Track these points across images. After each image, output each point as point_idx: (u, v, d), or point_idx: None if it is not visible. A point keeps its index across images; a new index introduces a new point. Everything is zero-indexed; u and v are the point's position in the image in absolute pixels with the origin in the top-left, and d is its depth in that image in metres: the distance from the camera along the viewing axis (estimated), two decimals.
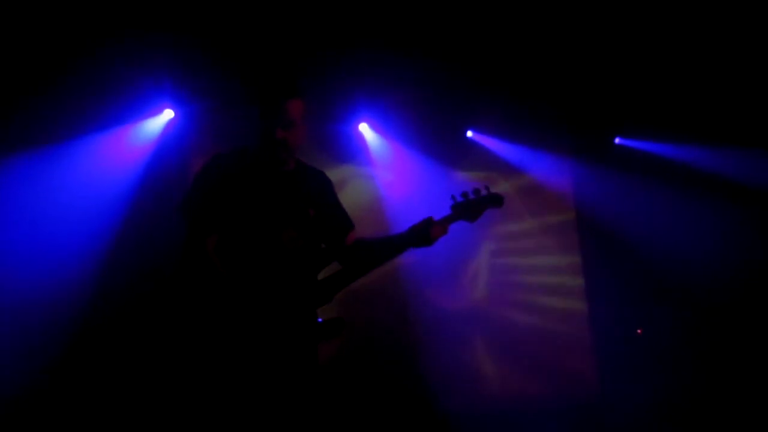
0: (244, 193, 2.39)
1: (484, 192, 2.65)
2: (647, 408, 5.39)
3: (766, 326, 5.51)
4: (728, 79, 5.22)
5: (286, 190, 2.48)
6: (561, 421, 5.40)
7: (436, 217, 2.58)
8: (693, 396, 5.46)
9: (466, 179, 5.71)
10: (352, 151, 5.38)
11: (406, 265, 5.40)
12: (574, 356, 5.87)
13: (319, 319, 2.37)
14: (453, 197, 2.63)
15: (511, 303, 5.82)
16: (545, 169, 6.05)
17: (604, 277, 5.99)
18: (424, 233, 2.52)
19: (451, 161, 5.60)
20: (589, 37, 4.86)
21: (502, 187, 6.03)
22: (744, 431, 4.80)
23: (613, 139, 6.24)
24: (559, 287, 5.98)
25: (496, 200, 2.66)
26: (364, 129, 5.40)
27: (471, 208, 2.61)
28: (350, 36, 4.60)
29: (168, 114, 4.84)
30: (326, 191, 2.61)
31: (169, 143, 4.80)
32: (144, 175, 4.64)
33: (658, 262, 5.86)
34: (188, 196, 2.43)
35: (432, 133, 5.49)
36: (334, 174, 5.08)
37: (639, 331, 5.91)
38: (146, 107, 4.75)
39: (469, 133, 5.79)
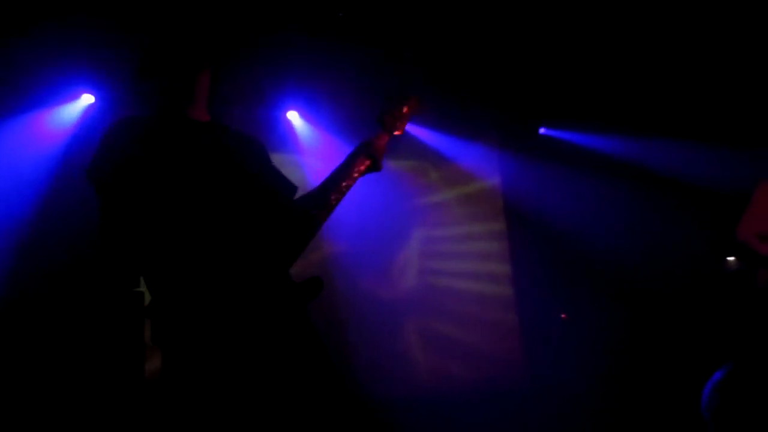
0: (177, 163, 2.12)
1: (403, 98, 2.58)
2: (571, 391, 5.57)
3: (685, 311, 5.77)
4: (650, 69, 5.40)
5: (236, 147, 2.24)
6: (489, 404, 5.52)
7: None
8: (615, 379, 5.68)
9: (395, 168, 5.74)
10: (280, 139, 5.31)
11: (335, 254, 5.39)
12: (501, 341, 6.00)
13: (297, 280, 2.24)
14: (379, 113, 2.51)
15: (440, 289, 5.89)
16: (473, 158, 6.14)
17: (530, 264, 6.15)
18: (365, 156, 2.38)
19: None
20: (514, 27, 4.93)
21: (432, 176, 6.10)
22: (665, 412, 5.02)
23: (538, 129, 6.38)
24: (487, 274, 6.10)
25: (413, 103, 2.56)
26: (293, 116, 5.33)
27: (394, 116, 2.50)
28: (279, 21, 4.52)
29: (87, 99, 4.64)
30: (264, 150, 2.40)
31: (88, 129, 4.60)
32: (60, 162, 4.44)
33: (581, 248, 6.06)
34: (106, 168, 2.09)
35: (361, 122, 5.48)
36: None
37: (563, 316, 6.09)
38: (63, 92, 4.54)
39: None
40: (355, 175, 2.38)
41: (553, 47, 5.20)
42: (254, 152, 2.33)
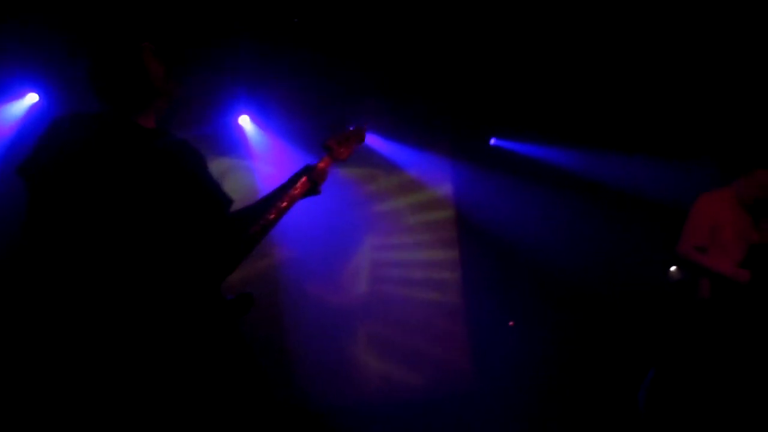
0: (119, 167, 2.07)
1: (349, 128, 2.66)
2: (518, 398, 5.65)
3: (627, 318, 5.93)
4: (598, 85, 5.57)
5: (172, 157, 2.21)
6: (437, 410, 5.56)
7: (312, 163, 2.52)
8: (561, 385, 5.80)
9: (347, 175, 5.75)
10: (231, 143, 5.27)
11: (285, 260, 5.36)
12: (451, 348, 6.06)
13: (229, 297, 2.22)
14: (324, 140, 2.58)
15: (391, 297, 5.92)
16: (425, 167, 6.20)
17: (480, 272, 6.23)
18: (306, 178, 2.43)
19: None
20: (467, 39, 5.01)
21: (384, 183, 6.14)
22: (611, 416, 5.13)
23: (489, 139, 6.50)
24: (438, 282, 6.16)
25: (358, 134, 2.66)
26: (245, 121, 5.30)
27: (339, 144, 2.58)
28: (232, 26, 4.49)
29: (31, 98, 4.52)
30: (201, 161, 2.37)
31: (32, 128, 4.48)
32: (2, 161, 4.30)
33: (530, 257, 6.18)
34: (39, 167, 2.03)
35: (314, 128, 5.47)
36: (211, 166, 4.96)
37: (511, 323, 6.19)
38: (7, 90, 4.42)
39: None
40: (295, 195, 2.40)
41: (505, 60, 5.30)
42: (192, 163, 2.30)
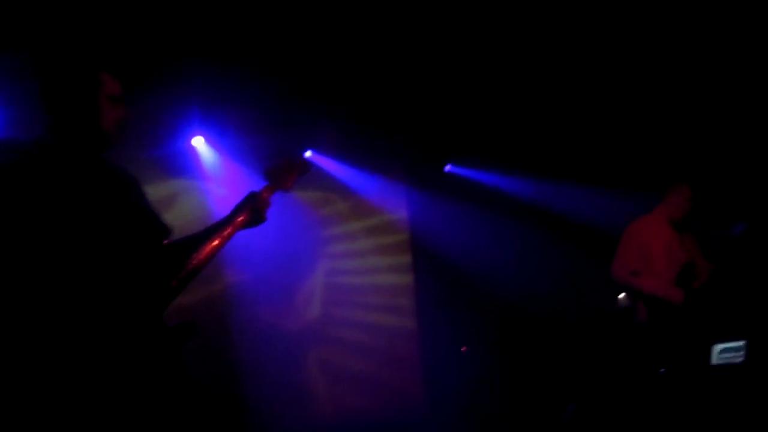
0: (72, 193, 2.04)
1: (293, 157, 2.66)
2: (470, 421, 5.66)
3: (576, 342, 6.02)
4: (551, 117, 5.72)
5: (111, 186, 2.17)
6: None
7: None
8: (511, 410, 5.83)
9: (302, 199, 5.73)
10: (184, 165, 5.20)
11: (236, 284, 5.29)
12: (404, 372, 6.05)
13: (172, 324, 2.17)
14: (266, 168, 2.56)
15: (344, 321, 5.89)
16: (381, 191, 6.23)
17: (434, 296, 6.26)
18: (249, 208, 2.40)
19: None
20: (424, 67, 5.08)
21: (339, 207, 6.13)
22: None
23: (444, 166, 6.58)
24: (392, 306, 6.16)
25: (301, 164, 2.63)
26: (198, 143, 5.24)
27: (281, 173, 2.55)
28: (186, 46, 4.46)
29: None
30: (139, 188, 2.34)
31: None
32: None
33: (482, 282, 6.24)
34: None
35: (269, 151, 5.45)
36: (164, 188, 4.90)
37: (463, 348, 6.21)
38: None
39: (308, 153, 5.82)
40: (239, 223, 2.38)
41: (461, 88, 5.39)
42: (131, 190, 2.27)
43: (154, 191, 2.45)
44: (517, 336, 6.25)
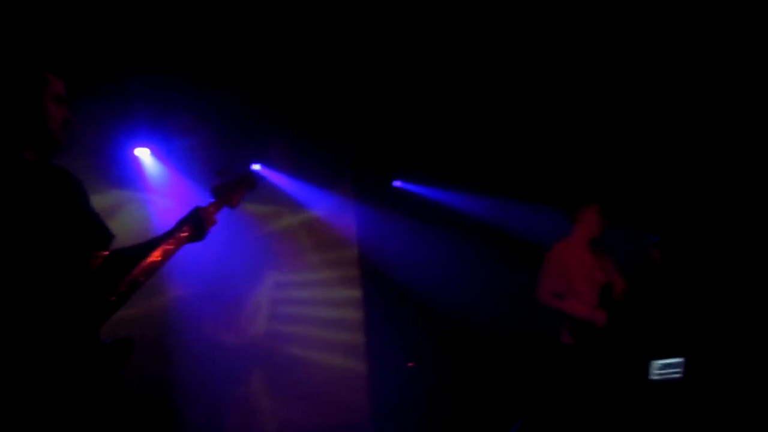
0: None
1: (238, 172, 2.60)
2: None
3: (519, 358, 6.09)
4: (494, 135, 5.83)
5: (53, 190, 2.11)
6: None
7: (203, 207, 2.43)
8: (455, 425, 5.85)
9: (249, 213, 5.64)
10: (127, 175, 5.06)
11: (178, 298, 5.15)
12: (350, 388, 6.00)
13: (107, 340, 2.08)
14: (213, 185, 2.52)
15: (291, 336, 5.82)
16: (330, 206, 6.19)
17: (381, 311, 6.24)
18: (194, 223, 2.35)
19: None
20: (374, 83, 5.11)
21: (287, 221, 6.07)
22: None
23: (392, 181, 6.61)
24: (340, 321, 6.11)
25: (249, 180, 2.59)
26: (143, 153, 5.12)
27: (228, 190, 2.51)
28: (132, 56, 4.36)
29: None
30: (84, 194, 2.28)
31: None
32: None
33: (429, 297, 6.26)
34: None
35: (216, 162, 5.34)
36: (105, 198, 4.74)
37: (410, 364, 6.21)
38: None
39: (257, 167, 5.75)
40: (182, 238, 2.32)
41: (408, 105, 5.45)
42: (73, 195, 2.21)
43: (96, 201, 2.37)
44: (461, 351, 6.29)
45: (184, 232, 2.33)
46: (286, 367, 5.69)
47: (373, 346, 6.19)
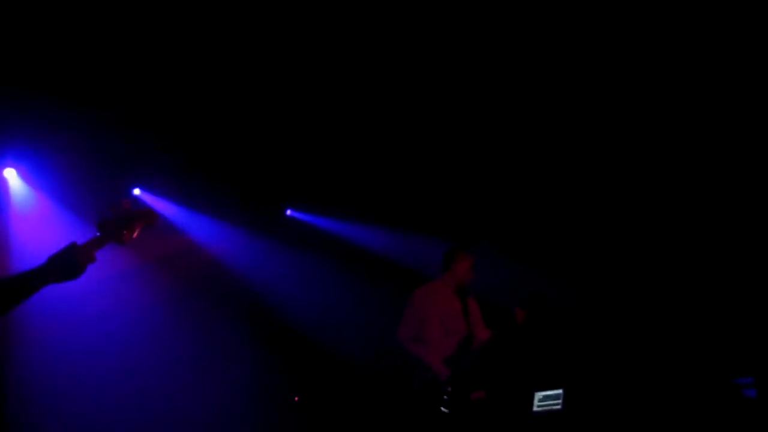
0: None
1: (134, 207, 2.34)
2: None
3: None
4: (388, 169, 5.88)
5: None
6: None
7: (81, 240, 2.17)
8: None
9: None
10: None
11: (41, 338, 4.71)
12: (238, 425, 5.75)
13: None
14: (100, 218, 2.26)
15: (171, 377, 5.50)
16: (215, 233, 6.00)
17: (269, 344, 6.08)
18: (66, 261, 2.12)
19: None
20: (266, 112, 5.03)
21: (169, 249, 5.79)
22: None
23: (285, 211, 6.52)
24: (227, 356, 5.91)
25: (146, 217, 2.34)
26: (10, 174, 4.74)
27: (118, 225, 2.26)
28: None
29: None
30: None
31: None
32: None
33: (321, 330, 6.17)
34: None
35: (91, 187, 5.00)
36: None
37: (296, 398, 6.07)
38: None
39: (137, 191, 5.46)
40: (49, 273, 2.10)
41: (302, 137, 5.40)
42: None
43: None
44: (353, 387, 6.20)
45: (53, 273, 2.09)
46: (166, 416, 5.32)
47: (261, 380, 6.01)
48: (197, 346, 5.68)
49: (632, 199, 5.45)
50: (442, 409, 4.09)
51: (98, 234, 2.23)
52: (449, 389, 4.11)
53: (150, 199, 5.54)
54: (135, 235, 2.31)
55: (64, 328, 4.87)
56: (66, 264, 2.11)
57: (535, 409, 4.88)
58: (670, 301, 5.19)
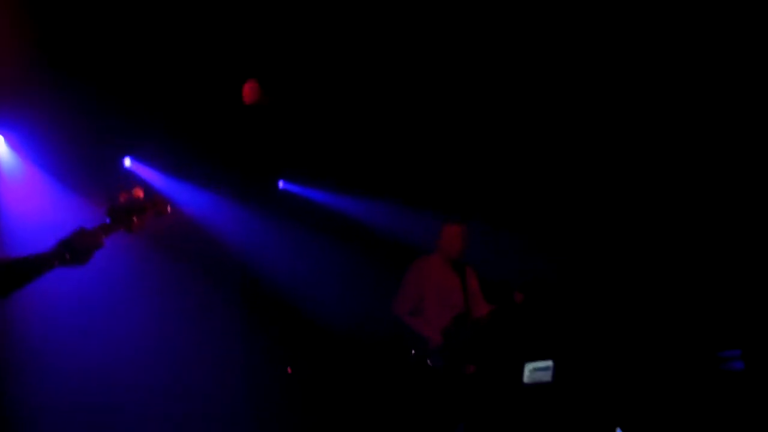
0: None
1: (150, 197, 2.30)
2: None
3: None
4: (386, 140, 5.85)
5: None
6: None
7: (77, 219, 2.16)
8: None
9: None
10: None
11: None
12: (229, 397, 5.79)
13: None
14: (111, 204, 2.23)
15: (160, 347, 5.48)
16: (209, 206, 5.95)
17: (262, 318, 6.07)
18: (76, 246, 2.10)
19: (98, 189, 4.62)
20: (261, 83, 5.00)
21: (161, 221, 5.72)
22: None
23: (277, 182, 6.47)
24: (219, 328, 5.87)
25: (158, 205, 2.29)
26: None
27: (128, 212, 2.22)
28: None
29: None
30: None
31: None
32: None
33: (310, 301, 6.17)
34: None
35: (81, 156, 4.92)
36: None
37: (288, 370, 6.10)
38: None
39: (127, 162, 5.39)
40: (54, 259, 2.07)
41: (296, 107, 5.37)
42: None
43: None
44: (344, 360, 6.22)
45: (58, 256, 2.08)
46: (161, 390, 5.31)
47: (254, 355, 6.01)
48: (187, 320, 5.66)
49: (623, 177, 5.50)
50: (428, 362, 4.12)
51: (108, 221, 2.20)
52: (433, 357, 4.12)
53: (141, 170, 5.48)
54: (145, 224, 2.26)
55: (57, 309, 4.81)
56: (76, 249, 2.09)
57: (525, 380, 4.93)
58: (659, 275, 5.24)
